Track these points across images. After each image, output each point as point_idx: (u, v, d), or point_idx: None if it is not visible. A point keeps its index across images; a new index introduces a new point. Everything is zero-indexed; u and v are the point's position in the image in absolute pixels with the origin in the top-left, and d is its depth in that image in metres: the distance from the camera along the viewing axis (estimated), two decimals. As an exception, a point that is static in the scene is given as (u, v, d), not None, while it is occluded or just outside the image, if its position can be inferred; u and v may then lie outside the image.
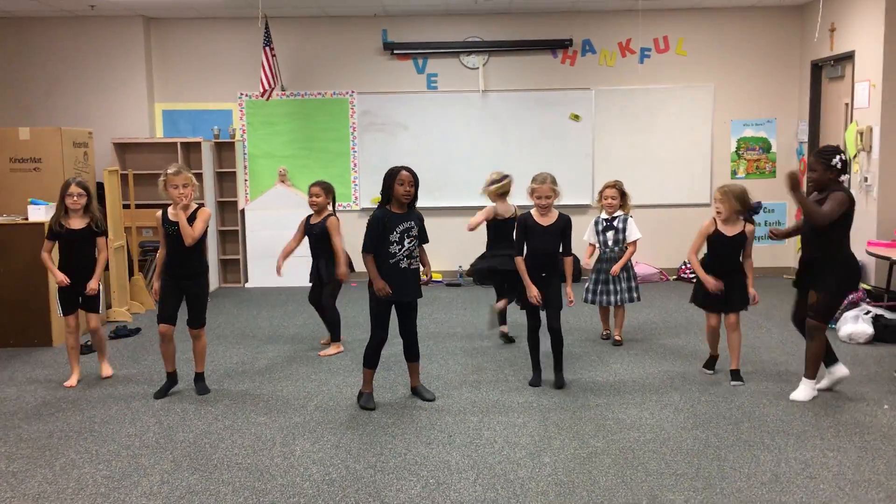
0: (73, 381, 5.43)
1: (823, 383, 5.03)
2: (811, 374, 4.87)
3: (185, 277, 5.09)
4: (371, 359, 4.89)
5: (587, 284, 6.39)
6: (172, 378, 5.25)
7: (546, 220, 5.18)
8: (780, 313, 7.27)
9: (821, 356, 4.87)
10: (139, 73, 9.13)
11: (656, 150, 9.25)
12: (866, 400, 4.89)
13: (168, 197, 5.04)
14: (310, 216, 6.15)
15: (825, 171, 4.71)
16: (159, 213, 5.12)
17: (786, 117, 9.24)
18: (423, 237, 4.95)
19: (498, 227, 6.22)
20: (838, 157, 4.70)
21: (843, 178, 4.82)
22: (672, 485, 3.71)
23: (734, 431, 4.36)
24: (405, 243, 4.77)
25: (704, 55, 9.21)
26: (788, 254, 9.36)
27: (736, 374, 5.27)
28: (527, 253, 5.17)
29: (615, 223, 6.21)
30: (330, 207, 6.13)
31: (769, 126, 9.29)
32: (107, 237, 5.65)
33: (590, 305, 6.52)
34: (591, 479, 3.78)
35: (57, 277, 5.38)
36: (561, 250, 5.21)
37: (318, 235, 6.00)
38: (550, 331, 5.14)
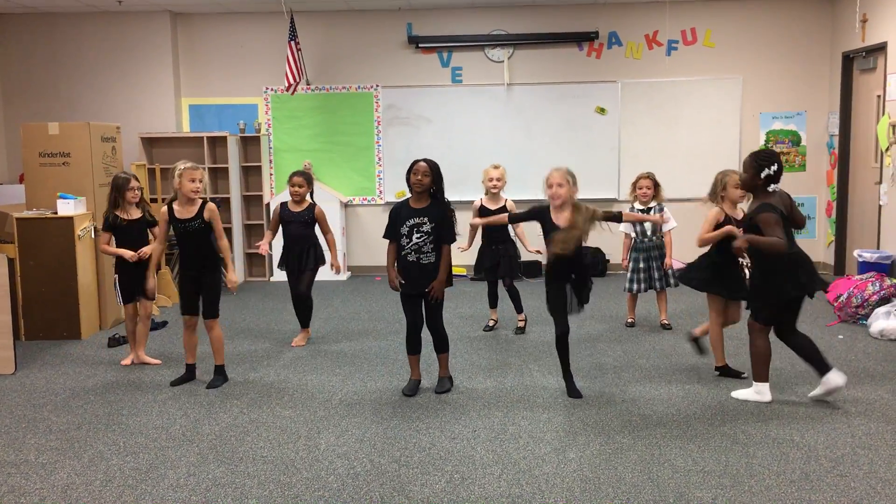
0: (129, 360, 5.78)
1: (818, 392, 4.75)
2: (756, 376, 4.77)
3: (198, 269, 5.20)
4: (408, 344, 5.01)
5: (628, 274, 6.57)
6: (191, 370, 5.36)
7: (563, 220, 4.81)
8: (809, 309, 7.16)
9: (764, 358, 4.71)
10: (166, 68, 9.20)
11: (683, 144, 9.16)
12: (898, 397, 4.81)
13: (181, 188, 5.11)
14: (285, 204, 6.23)
15: (754, 176, 4.55)
16: (164, 209, 5.19)
17: (816, 110, 9.10)
18: (443, 235, 4.83)
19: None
20: (773, 167, 4.50)
21: (774, 187, 4.54)
22: (699, 482, 3.67)
23: (763, 428, 4.31)
24: (413, 237, 4.79)
25: (733, 47, 9.09)
26: (818, 248, 9.23)
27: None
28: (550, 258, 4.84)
29: (651, 213, 6.40)
30: (309, 197, 6.26)
31: (799, 119, 9.16)
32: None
33: (624, 294, 6.81)
34: (617, 476, 3.75)
35: (126, 254, 5.66)
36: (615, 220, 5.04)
37: (306, 223, 6.14)
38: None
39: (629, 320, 6.69)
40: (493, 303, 6.65)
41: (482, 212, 6.38)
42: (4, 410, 4.83)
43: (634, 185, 6.50)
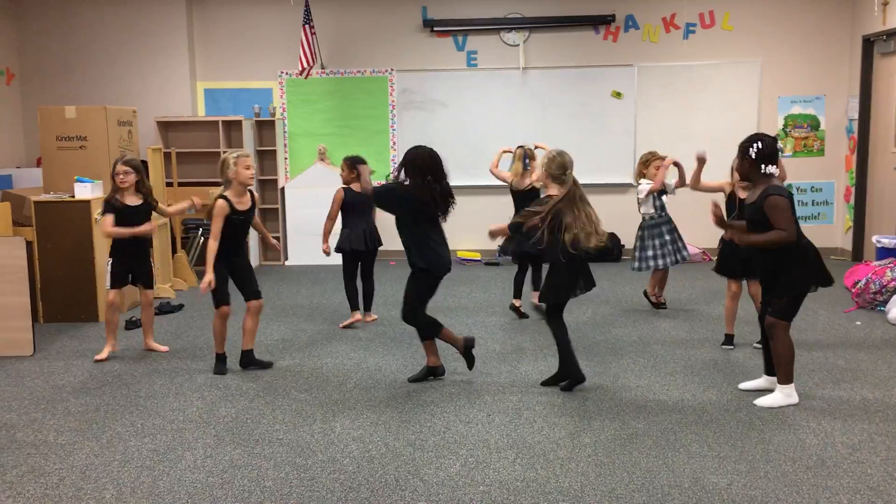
0: (104, 354, 5.51)
1: (753, 384, 4.69)
2: (783, 378, 4.41)
3: (237, 255, 5.21)
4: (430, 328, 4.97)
5: (638, 253, 6.51)
6: (224, 358, 5.25)
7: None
8: (826, 295, 7.11)
9: (790, 357, 4.38)
10: (182, 52, 9.20)
11: (700, 128, 9.08)
12: (916, 384, 4.77)
13: (238, 177, 5.01)
14: (347, 187, 6.26)
15: (741, 159, 4.43)
16: (222, 202, 4.97)
17: (835, 94, 9.00)
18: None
19: (516, 200, 6.42)
20: (756, 144, 4.35)
21: (771, 169, 4.33)
22: (715, 467, 3.66)
23: (779, 414, 4.29)
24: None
25: (751, 30, 8.98)
26: (836, 234, 9.16)
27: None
28: None
29: (666, 189, 6.46)
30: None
31: (818, 103, 9.06)
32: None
33: (635, 273, 6.79)
34: (633, 461, 3.75)
35: (141, 229, 5.49)
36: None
37: (368, 202, 6.06)
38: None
39: (660, 300, 6.71)
40: (518, 293, 6.56)
41: (512, 193, 6.53)
42: (24, 392, 4.89)
43: (646, 164, 6.50)
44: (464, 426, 4.20)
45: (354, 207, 6.23)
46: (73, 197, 6.59)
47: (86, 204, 6.52)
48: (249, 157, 5.13)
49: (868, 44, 8.50)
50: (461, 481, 3.57)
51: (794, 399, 4.41)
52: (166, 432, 4.19)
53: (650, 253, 6.47)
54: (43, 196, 6.72)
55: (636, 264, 6.51)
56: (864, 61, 8.56)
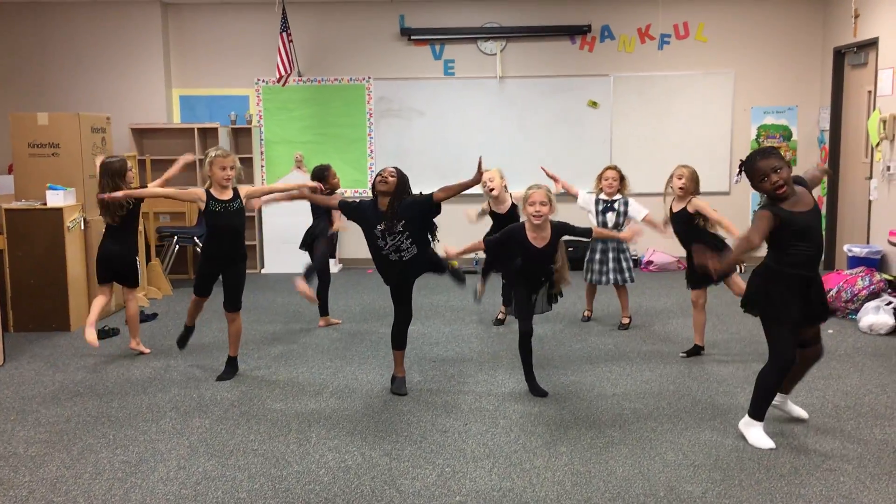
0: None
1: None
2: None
3: (226, 257, 5.18)
4: (395, 339, 4.94)
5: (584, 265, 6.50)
6: (190, 329, 5.50)
7: (540, 241, 4.74)
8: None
9: None
10: (157, 59, 9.13)
11: (675, 138, 9.16)
12: (887, 391, 4.83)
13: (213, 176, 5.08)
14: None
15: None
16: (202, 190, 5.16)
17: (807, 105, 9.12)
18: (425, 229, 4.80)
19: (497, 222, 6.38)
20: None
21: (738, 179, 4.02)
22: (690, 476, 3.68)
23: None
24: (388, 240, 4.70)
25: (725, 41, 9.09)
26: (829, 245, 9.24)
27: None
28: (521, 266, 4.83)
29: (615, 205, 6.31)
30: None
31: (790, 114, 9.18)
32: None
33: (604, 288, 6.68)
34: (608, 469, 3.76)
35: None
36: (585, 237, 5.12)
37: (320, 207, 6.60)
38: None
39: (586, 314, 6.68)
40: (507, 300, 6.54)
41: (491, 214, 6.41)
42: (-7, 403, 4.81)
43: (600, 177, 6.37)
44: (440, 435, 4.19)
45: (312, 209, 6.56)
46: (45, 204, 6.51)
47: (58, 211, 6.45)
48: (229, 158, 5.09)
49: (839, 55, 8.63)
50: (437, 491, 3.56)
51: None
52: (138, 443, 4.13)
53: (585, 265, 6.48)
54: (14, 203, 6.63)
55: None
56: (835, 73, 8.69)
